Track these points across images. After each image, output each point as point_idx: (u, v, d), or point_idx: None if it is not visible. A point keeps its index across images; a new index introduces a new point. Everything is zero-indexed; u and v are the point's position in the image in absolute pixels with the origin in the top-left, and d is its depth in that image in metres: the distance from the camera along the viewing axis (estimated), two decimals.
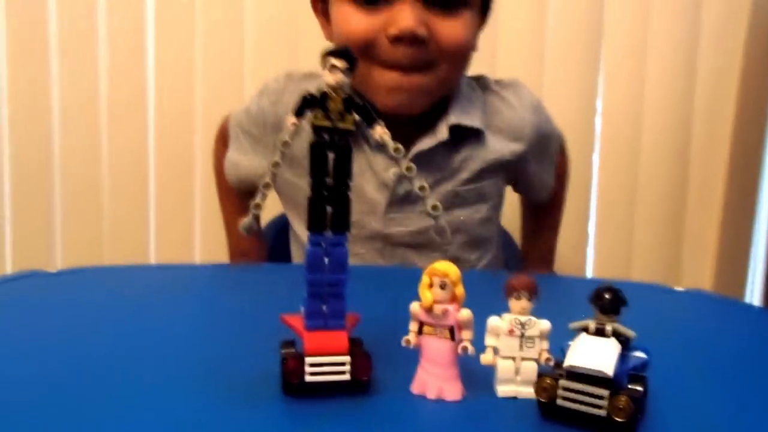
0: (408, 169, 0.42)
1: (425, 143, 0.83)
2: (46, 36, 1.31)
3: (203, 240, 1.39)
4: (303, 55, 1.26)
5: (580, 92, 1.32)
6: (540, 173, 0.95)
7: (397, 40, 0.76)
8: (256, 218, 0.42)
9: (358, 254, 0.85)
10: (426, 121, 0.84)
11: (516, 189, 1.00)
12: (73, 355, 0.49)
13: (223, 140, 0.97)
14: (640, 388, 0.40)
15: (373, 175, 0.84)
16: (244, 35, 1.31)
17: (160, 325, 0.57)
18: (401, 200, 0.84)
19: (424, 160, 0.82)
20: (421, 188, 0.42)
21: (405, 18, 0.75)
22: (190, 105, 1.34)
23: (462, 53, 0.82)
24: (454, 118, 0.83)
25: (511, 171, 0.90)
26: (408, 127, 0.82)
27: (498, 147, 0.86)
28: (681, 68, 1.30)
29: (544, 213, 1.03)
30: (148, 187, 1.38)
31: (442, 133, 0.82)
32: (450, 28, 0.78)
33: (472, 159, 0.85)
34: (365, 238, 0.85)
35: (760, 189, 1.35)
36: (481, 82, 0.91)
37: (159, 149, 1.37)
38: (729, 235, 1.35)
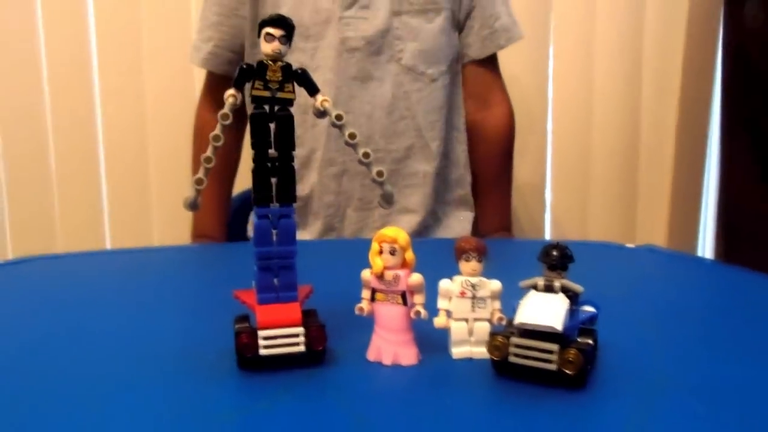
0: (351, 136, 0.41)
1: None
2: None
3: (160, 225, 1.36)
4: None
5: (532, 57, 1.32)
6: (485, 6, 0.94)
7: None
8: (198, 193, 0.41)
9: (319, 66, 0.88)
10: None
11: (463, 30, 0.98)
12: (26, 342, 0.48)
13: (207, 97, 1.01)
14: (589, 341, 0.41)
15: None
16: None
17: (115, 308, 0.57)
18: (352, 3, 0.87)
19: None
20: (365, 154, 0.41)
21: None
22: (139, 84, 1.30)
23: None
24: None
25: None
26: None
27: None
28: (628, 30, 1.31)
29: (496, 184, 1.03)
30: (100, 172, 1.34)
31: None
32: None
33: None
34: (324, 47, 0.88)
35: (708, 145, 1.39)
36: None
37: (109, 132, 1.33)
38: (680, 192, 1.39)
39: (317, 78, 0.83)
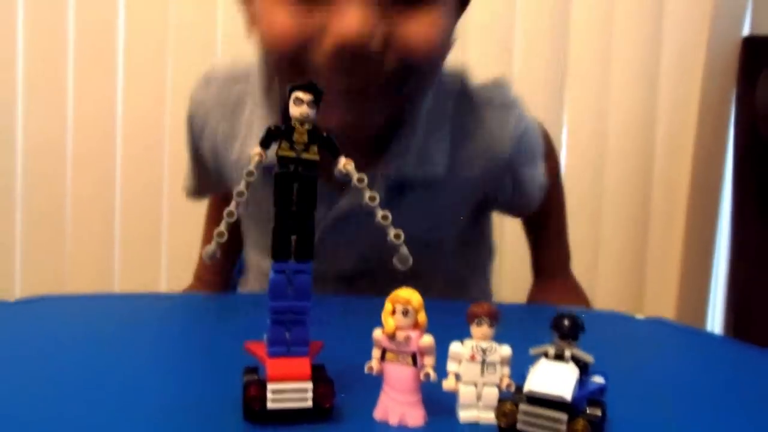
0: (371, 198, 0.42)
1: (391, 167, 0.68)
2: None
3: (171, 268, 1.37)
4: None
5: (546, 112, 1.35)
6: (518, 197, 0.81)
7: (340, 50, 0.55)
8: (219, 245, 0.42)
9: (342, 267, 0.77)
10: (389, 138, 0.68)
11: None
12: (30, 386, 0.48)
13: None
14: (597, 413, 0.40)
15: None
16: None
17: (122, 354, 0.57)
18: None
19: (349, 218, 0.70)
20: (384, 217, 0.42)
21: (350, 18, 0.53)
22: (159, 122, 1.34)
23: (430, 60, 0.61)
24: (396, 158, 0.67)
25: (482, 209, 0.83)
26: (370, 144, 0.67)
27: (461, 183, 0.73)
28: (641, 107, 1.35)
29: (542, 221, 0.92)
30: (114, 213, 1.36)
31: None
32: (418, 27, 0.57)
33: (428, 200, 0.72)
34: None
35: (718, 222, 1.39)
36: (454, 85, 0.72)
37: (126, 173, 1.36)
38: (690, 266, 1.39)
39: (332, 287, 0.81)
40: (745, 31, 1.35)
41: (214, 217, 1.01)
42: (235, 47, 1.29)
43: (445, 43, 0.62)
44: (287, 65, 0.57)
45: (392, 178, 0.67)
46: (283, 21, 0.56)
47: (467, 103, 0.71)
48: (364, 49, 0.54)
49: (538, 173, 0.80)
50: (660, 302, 1.38)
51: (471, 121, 0.71)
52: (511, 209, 0.87)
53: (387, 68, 0.57)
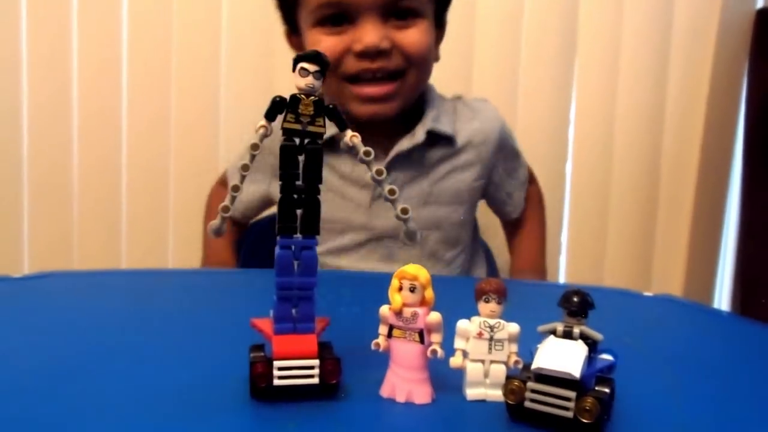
0: (378, 172, 0.42)
1: (404, 144, 0.89)
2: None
3: (176, 245, 1.37)
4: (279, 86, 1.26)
5: (553, 102, 1.33)
6: (507, 186, 1.00)
7: (364, 55, 0.84)
8: (224, 220, 0.41)
9: (345, 247, 0.91)
10: (403, 126, 0.91)
11: (489, 203, 1.04)
12: (38, 363, 0.48)
13: (222, 183, 1.06)
14: (606, 390, 0.40)
15: (356, 178, 0.90)
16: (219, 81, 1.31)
17: (129, 330, 0.57)
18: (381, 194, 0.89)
19: (403, 160, 0.90)
20: (391, 191, 0.42)
21: (368, 34, 0.83)
22: (165, 109, 1.33)
23: (424, 57, 0.88)
24: (430, 122, 0.90)
25: (481, 176, 0.96)
26: (387, 131, 0.90)
27: (467, 150, 0.94)
28: (652, 82, 1.32)
29: (526, 227, 1.06)
30: (121, 190, 1.36)
31: (419, 135, 0.89)
32: (409, 36, 0.86)
33: (446, 161, 0.93)
34: (352, 232, 0.91)
35: (727, 199, 1.38)
36: (452, 97, 1.00)
37: (131, 152, 1.35)
38: (698, 243, 1.38)
39: (343, 260, 0.91)
40: (759, 3, 1.32)
41: (217, 197, 1.05)
42: (236, 48, 1.30)
43: (429, 46, 0.89)
44: (331, 73, 0.80)
45: (409, 146, 0.89)
46: (327, 41, 0.85)
47: (464, 103, 0.98)
48: (379, 49, 0.84)
49: (521, 169, 1.01)
50: (668, 278, 1.38)
51: (468, 111, 0.96)
52: (499, 202, 1.02)
53: (393, 62, 0.86)
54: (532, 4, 1.29)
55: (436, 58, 0.93)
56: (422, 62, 0.89)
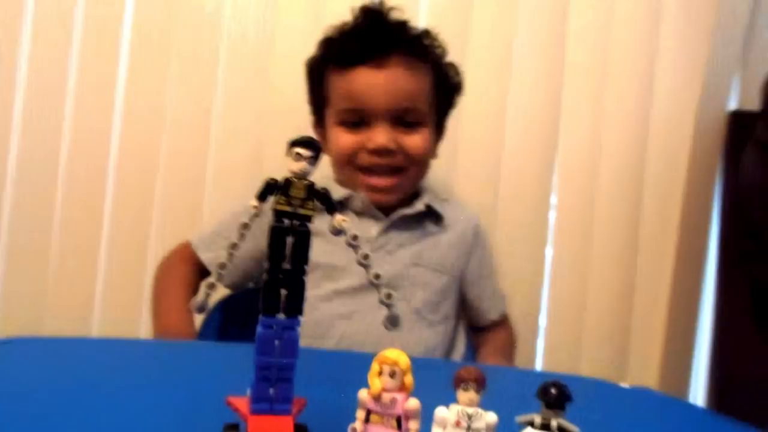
0: (364, 256, 0.43)
1: (405, 211, 1.06)
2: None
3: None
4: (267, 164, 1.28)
5: (535, 187, 1.37)
6: (480, 285, 1.12)
7: (374, 152, 1.02)
8: (208, 296, 0.41)
9: (340, 292, 1.00)
10: (402, 202, 1.08)
11: (464, 307, 1.13)
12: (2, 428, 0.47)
13: (183, 256, 1.08)
14: None
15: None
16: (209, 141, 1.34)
17: (97, 402, 0.55)
18: (379, 248, 1.03)
19: (401, 224, 1.05)
20: (376, 276, 0.43)
21: (379, 136, 1.01)
22: (151, 171, 1.34)
23: (422, 158, 1.06)
24: (427, 200, 1.08)
25: (459, 257, 1.09)
26: (389, 209, 1.07)
27: (452, 229, 1.09)
28: (629, 180, 1.37)
29: (498, 345, 1.14)
30: (99, 253, 1.35)
31: (418, 206, 1.06)
32: (412, 141, 1.04)
33: (435, 235, 1.08)
34: (347, 279, 1.00)
35: (703, 294, 1.40)
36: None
37: (113, 216, 1.35)
38: (674, 335, 1.39)
39: (339, 300, 0.99)
40: (732, 105, 1.39)
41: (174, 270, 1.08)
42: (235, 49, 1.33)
43: (428, 149, 1.07)
44: (346, 164, 1.04)
45: (405, 214, 1.06)
46: (346, 138, 1.04)
47: (450, 200, 1.16)
48: (387, 149, 1.02)
49: (494, 278, 1.16)
50: (644, 368, 1.38)
51: (454, 205, 1.15)
52: (471, 301, 1.13)
53: (397, 160, 1.03)
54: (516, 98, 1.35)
55: (434, 156, 1.11)
56: (421, 161, 1.06)
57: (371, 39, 1.03)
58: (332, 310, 0.98)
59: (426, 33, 1.08)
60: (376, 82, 1.01)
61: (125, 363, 0.69)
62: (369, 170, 1.04)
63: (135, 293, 1.34)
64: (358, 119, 1.03)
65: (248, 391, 0.43)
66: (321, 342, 0.97)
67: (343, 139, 1.04)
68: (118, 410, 0.54)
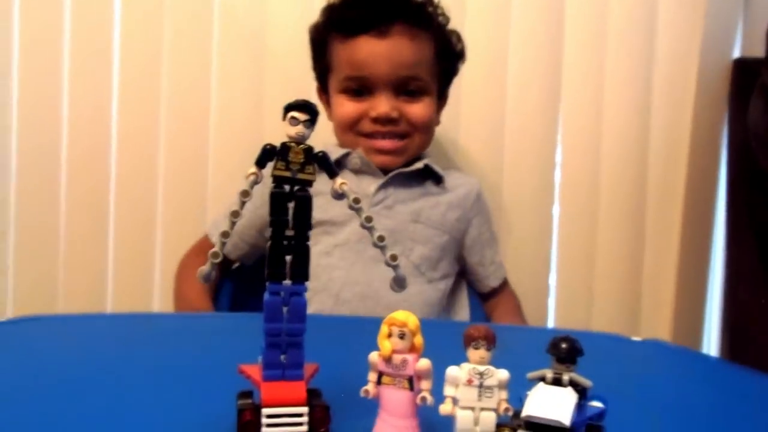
0: (367, 219, 0.42)
1: (403, 168, 1.07)
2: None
3: (163, 289, 1.36)
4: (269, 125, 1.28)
5: (539, 146, 1.35)
6: (481, 251, 1.13)
7: (377, 120, 1.03)
8: (214, 266, 0.41)
9: (339, 245, 1.01)
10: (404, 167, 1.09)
11: (467, 271, 1.14)
12: (22, 407, 0.48)
13: (199, 251, 1.11)
14: None
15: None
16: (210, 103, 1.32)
17: (114, 375, 0.56)
18: (378, 202, 1.04)
19: (401, 181, 1.06)
20: (380, 238, 0.42)
21: (382, 105, 1.03)
22: (153, 157, 1.33)
23: (425, 125, 1.08)
24: (427, 161, 1.09)
25: (460, 219, 1.10)
26: (389, 169, 1.08)
27: (452, 192, 1.10)
28: (634, 131, 1.34)
29: (509, 308, 1.17)
30: (108, 232, 1.35)
31: (417, 165, 1.07)
32: (415, 109, 1.05)
33: (435, 195, 1.09)
34: (347, 233, 1.01)
35: (713, 243, 1.40)
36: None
37: (119, 197, 1.35)
38: (685, 286, 1.38)
39: (339, 254, 1.00)
40: (736, 53, 1.36)
41: (192, 267, 1.08)
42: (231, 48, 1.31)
43: (431, 117, 1.08)
44: (349, 130, 1.06)
45: (403, 172, 1.07)
46: (349, 105, 1.06)
47: (451, 171, 1.16)
48: (390, 117, 1.03)
49: (495, 246, 1.17)
50: (656, 321, 1.38)
51: (454, 172, 1.17)
52: (473, 266, 1.14)
53: (401, 128, 1.05)
54: (516, 64, 1.33)
55: (437, 123, 1.12)
56: (424, 129, 1.08)
57: (374, 8, 1.03)
58: (332, 263, 1.00)
59: (428, 1, 1.09)
60: (379, 51, 1.02)
61: (139, 336, 0.70)
62: (372, 136, 1.05)
63: (147, 267, 1.34)
64: (361, 87, 1.04)
65: (259, 359, 0.43)
66: (322, 295, 0.97)
67: (346, 106, 1.05)
68: (133, 382, 0.54)
